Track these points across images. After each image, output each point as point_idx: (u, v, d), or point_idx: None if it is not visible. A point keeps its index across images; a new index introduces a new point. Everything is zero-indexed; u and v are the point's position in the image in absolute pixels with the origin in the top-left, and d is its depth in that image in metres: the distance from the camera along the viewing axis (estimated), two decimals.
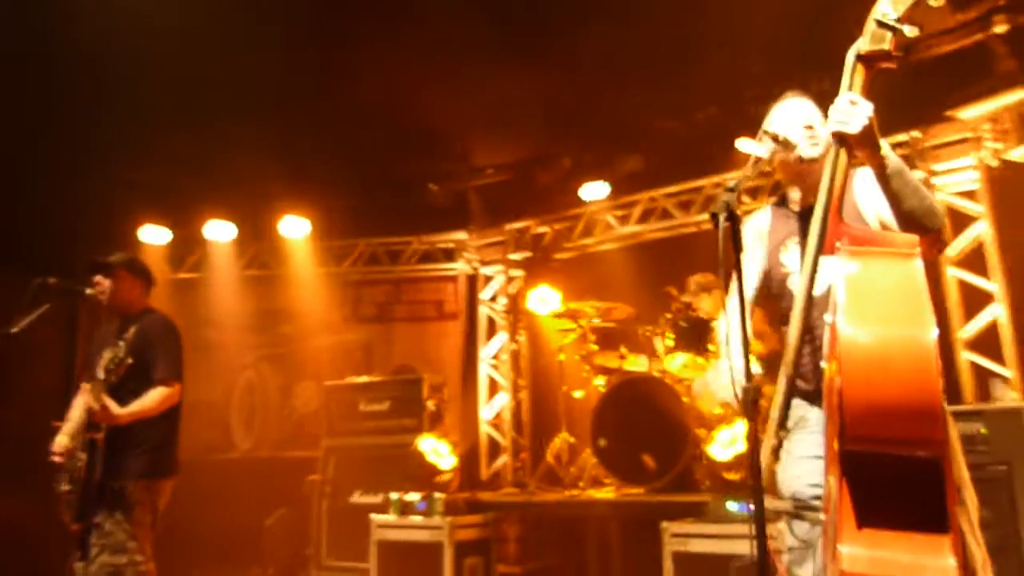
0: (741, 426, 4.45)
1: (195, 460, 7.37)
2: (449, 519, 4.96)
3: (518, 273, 7.75)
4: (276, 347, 8.18)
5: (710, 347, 5.35)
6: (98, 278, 4.14)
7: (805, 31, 5.81)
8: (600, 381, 5.97)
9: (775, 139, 2.57)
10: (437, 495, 5.10)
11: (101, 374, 3.69)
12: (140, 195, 7.66)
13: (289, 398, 8.09)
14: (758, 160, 2.58)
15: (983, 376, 5.40)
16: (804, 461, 2.60)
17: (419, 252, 8.08)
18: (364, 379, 6.59)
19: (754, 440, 2.06)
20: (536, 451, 6.89)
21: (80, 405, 4.27)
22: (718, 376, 2.53)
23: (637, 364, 5.73)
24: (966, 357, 5.48)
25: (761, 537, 2.03)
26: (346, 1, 5.80)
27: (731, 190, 2.18)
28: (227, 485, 7.69)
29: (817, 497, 2.51)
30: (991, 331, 5.44)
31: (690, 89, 6.72)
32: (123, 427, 3.88)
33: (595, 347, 6.17)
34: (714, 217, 2.12)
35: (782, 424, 2.28)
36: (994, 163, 5.63)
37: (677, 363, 5.37)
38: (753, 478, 2.04)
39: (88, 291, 4.13)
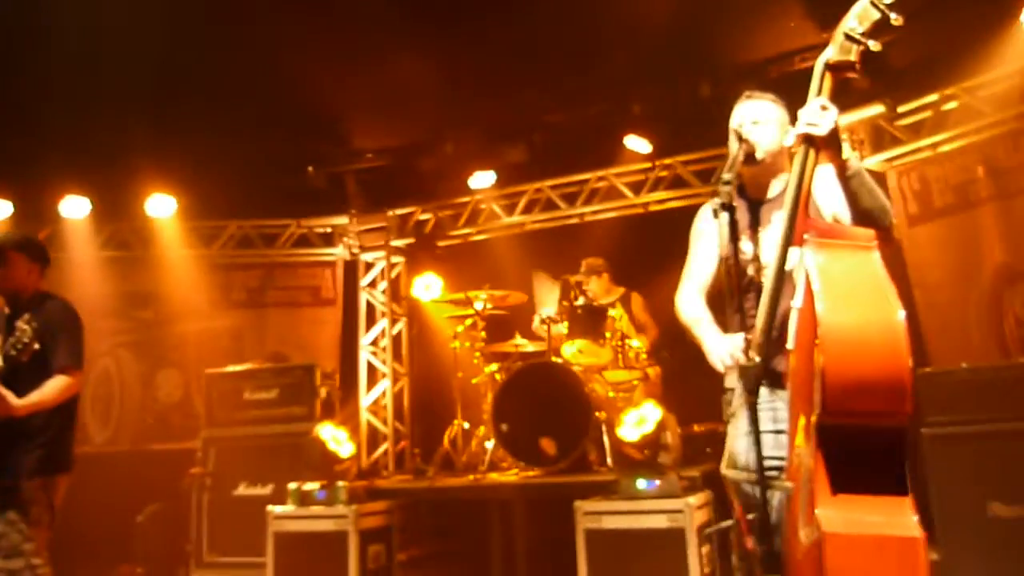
0: (648, 408, 4.70)
1: None
2: (354, 507, 4.88)
3: (399, 260, 7.70)
4: (136, 333, 7.65)
5: (607, 334, 5.59)
6: None
7: (690, 36, 6.19)
8: (493, 368, 6.07)
9: (739, 138, 2.75)
10: (340, 483, 5.00)
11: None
12: None
13: (151, 388, 7.59)
14: (735, 158, 2.75)
15: None
16: (739, 438, 2.81)
17: (295, 236, 7.83)
18: (248, 366, 6.32)
19: (754, 414, 2.23)
20: (424, 438, 6.89)
21: None
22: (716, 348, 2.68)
23: (534, 348, 5.88)
24: None
25: (763, 507, 2.19)
26: None
27: (727, 183, 2.33)
28: (82, 481, 7.12)
29: (775, 468, 2.71)
30: None
31: (579, 85, 6.94)
32: (16, 420, 3.56)
33: (483, 334, 6.27)
34: (722, 207, 2.26)
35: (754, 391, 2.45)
36: None
37: (573, 349, 5.56)
38: (757, 457, 2.21)
39: None
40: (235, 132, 7.22)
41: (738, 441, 2.79)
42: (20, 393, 3.50)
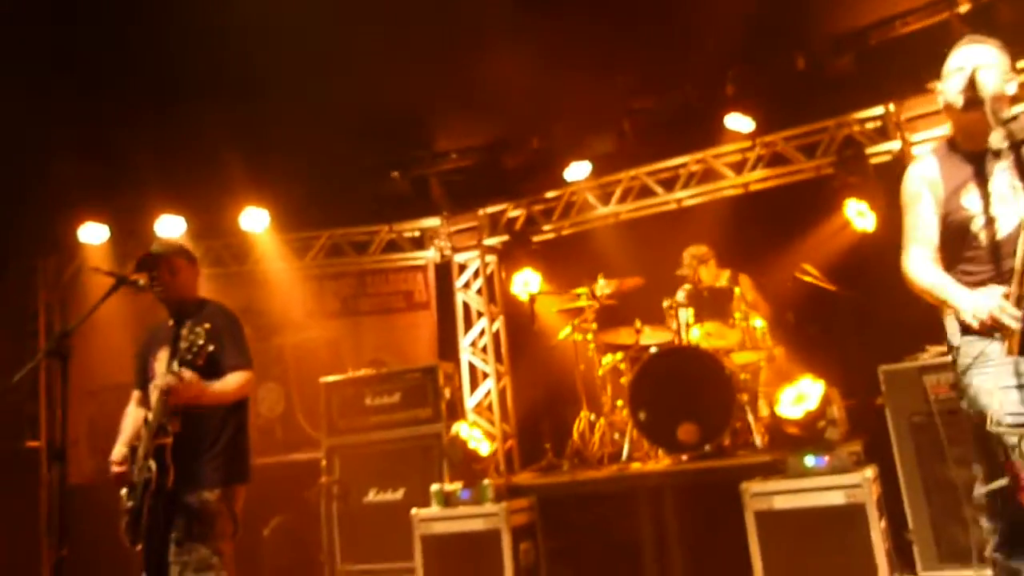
0: (807, 383, 4.58)
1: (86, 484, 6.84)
2: (504, 504, 4.81)
3: (492, 258, 7.63)
4: None
5: (736, 314, 5.48)
6: (154, 272, 3.74)
7: (781, 8, 6.06)
8: (617, 357, 5.97)
9: (971, 83, 2.64)
10: (486, 482, 4.93)
11: (175, 365, 3.34)
12: (79, 190, 6.99)
13: (253, 402, 7.49)
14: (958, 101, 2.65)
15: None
16: (996, 392, 2.69)
17: (384, 242, 7.79)
18: (366, 372, 6.27)
19: None
20: (532, 435, 6.79)
21: (133, 414, 3.87)
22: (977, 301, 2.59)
23: (656, 337, 5.78)
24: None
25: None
26: None
27: (1011, 120, 2.22)
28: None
29: (1019, 425, 2.60)
30: None
31: (668, 68, 6.84)
32: (194, 430, 3.53)
33: (594, 325, 6.18)
34: (1012, 146, 2.16)
35: None
36: None
37: (701, 332, 5.45)
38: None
39: (142, 283, 3.72)
40: (321, 141, 7.23)
41: (998, 395, 2.66)
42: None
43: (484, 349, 7.51)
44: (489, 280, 7.60)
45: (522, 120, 7.45)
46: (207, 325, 3.42)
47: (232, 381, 3.59)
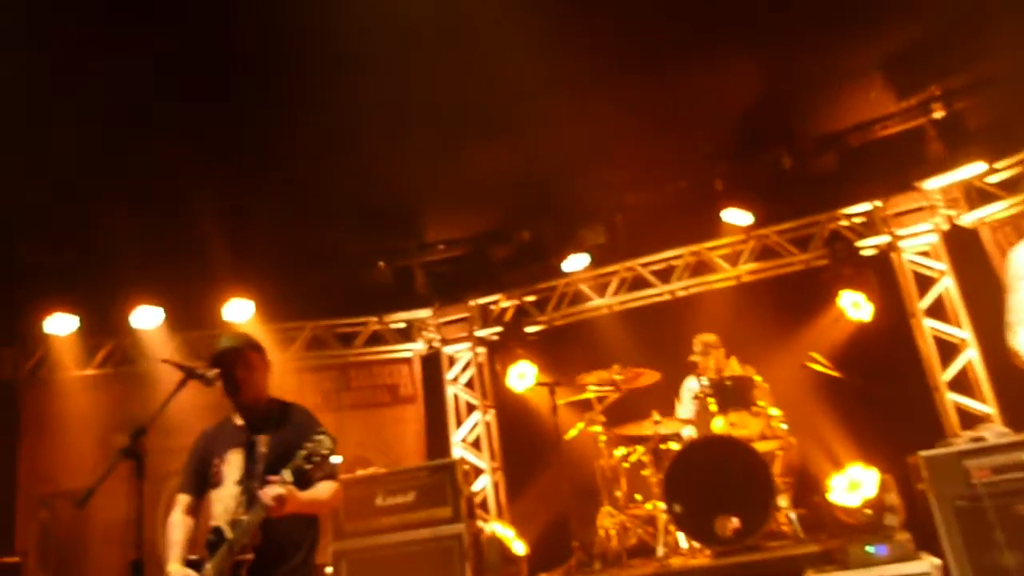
0: (857, 471, 4.60)
1: None
2: None
3: (482, 350, 7.51)
4: None
5: (759, 403, 5.52)
6: (228, 369, 3.46)
7: (768, 110, 6.40)
8: (639, 450, 5.87)
9: None
10: None
11: (288, 474, 3.04)
12: (47, 278, 6.54)
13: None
14: None
15: (964, 414, 6.09)
16: None
17: (369, 333, 7.56)
18: (376, 470, 5.94)
19: None
20: (535, 527, 6.53)
21: (183, 524, 3.47)
22: None
23: (675, 428, 5.74)
24: (949, 398, 6.14)
25: None
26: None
27: None
28: None
29: None
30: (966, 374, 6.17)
31: (657, 163, 7.06)
32: (274, 541, 3.20)
33: (602, 417, 6.11)
34: None
35: None
36: (946, 227, 6.48)
37: (725, 422, 5.45)
38: None
39: (211, 376, 3.44)
40: (307, 230, 7.08)
41: None
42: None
43: (475, 444, 7.28)
44: (480, 372, 7.44)
45: (512, 213, 7.52)
46: (330, 437, 3.15)
47: (325, 490, 3.28)
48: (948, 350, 6.25)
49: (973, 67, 6.18)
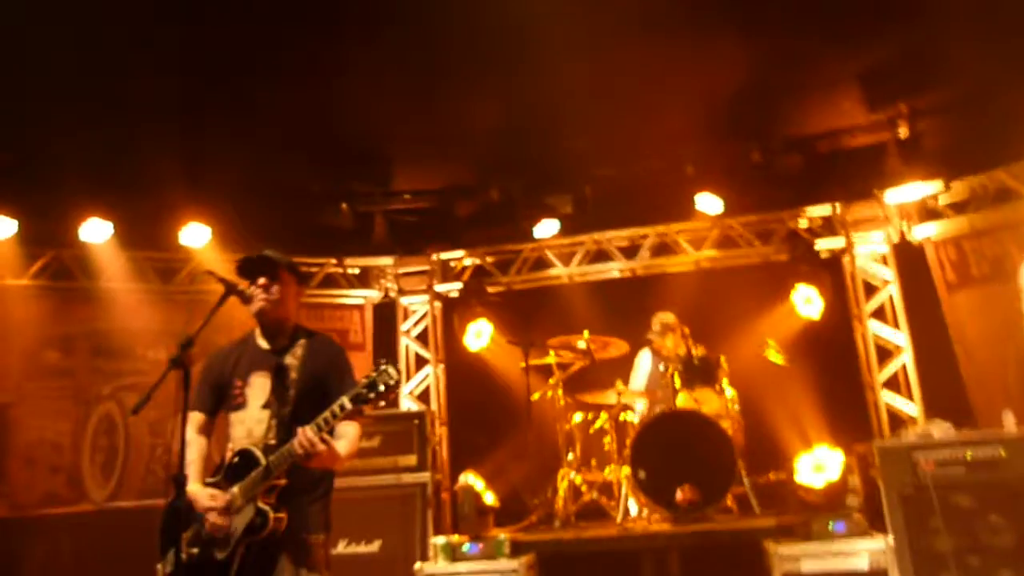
0: (824, 453, 4.90)
1: (35, 516, 5.96)
2: (524, 559, 4.66)
3: (438, 304, 7.47)
4: (145, 375, 6.81)
5: (723, 382, 5.77)
6: (263, 280, 3.33)
7: (748, 105, 6.62)
8: (581, 417, 6.04)
9: None
10: (502, 536, 4.75)
11: (347, 402, 2.93)
12: None
13: (163, 437, 6.77)
14: None
15: (892, 413, 6.58)
16: None
17: (324, 275, 7.38)
18: None
19: None
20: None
21: (197, 442, 3.34)
22: None
23: (636, 399, 5.93)
24: (882, 397, 6.61)
25: None
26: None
27: None
28: (79, 544, 6.24)
29: None
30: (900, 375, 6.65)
31: (631, 140, 7.17)
32: (305, 469, 3.12)
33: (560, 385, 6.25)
34: None
35: None
36: (896, 239, 6.92)
37: (690, 399, 5.67)
38: None
39: (248, 292, 3.31)
40: (270, 165, 6.82)
41: None
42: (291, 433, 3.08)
43: (422, 397, 7.27)
44: (434, 326, 7.40)
45: (482, 170, 7.47)
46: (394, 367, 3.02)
47: (353, 436, 3.18)
48: (885, 353, 6.70)
49: (939, 90, 6.60)
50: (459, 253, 7.44)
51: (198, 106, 5.98)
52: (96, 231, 6.35)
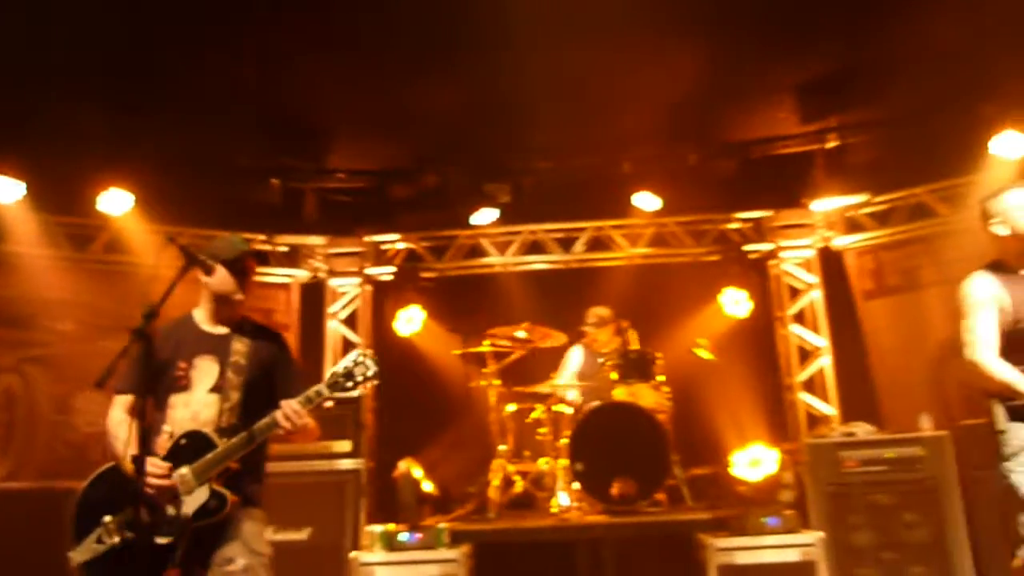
0: (760, 449, 5.03)
1: None
2: (464, 549, 4.60)
3: (368, 288, 7.30)
4: (50, 347, 6.38)
5: (659, 376, 5.85)
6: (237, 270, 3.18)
7: (686, 107, 6.75)
8: (515, 407, 6.03)
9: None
10: (442, 525, 4.67)
11: (324, 389, 2.88)
12: None
13: (66, 413, 6.35)
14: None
15: (810, 413, 6.85)
16: None
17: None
18: None
19: None
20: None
21: (126, 422, 3.12)
22: None
23: (571, 392, 5.95)
24: (800, 397, 6.87)
25: None
26: None
27: None
28: None
29: None
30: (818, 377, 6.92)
31: (574, 136, 7.19)
32: (256, 454, 3.07)
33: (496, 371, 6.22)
34: None
35: None
36: (820, 246, 7.20)
37: (627, 392, 5.73)
38: None
39: (212, 267, 3.15)
40: (199, 134, 6.51)
41: None
42: (246, 423, 2.97)
43: None
44: (364, 310, 7.23)
45: (420, 155, 7.34)
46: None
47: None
48: (806, 355, 6.97)
49: (870, 108, 6.89)
50: (393, 236, 7.29)
51: (125, 69, 5.65)
52: (6, 190, 5.89)
